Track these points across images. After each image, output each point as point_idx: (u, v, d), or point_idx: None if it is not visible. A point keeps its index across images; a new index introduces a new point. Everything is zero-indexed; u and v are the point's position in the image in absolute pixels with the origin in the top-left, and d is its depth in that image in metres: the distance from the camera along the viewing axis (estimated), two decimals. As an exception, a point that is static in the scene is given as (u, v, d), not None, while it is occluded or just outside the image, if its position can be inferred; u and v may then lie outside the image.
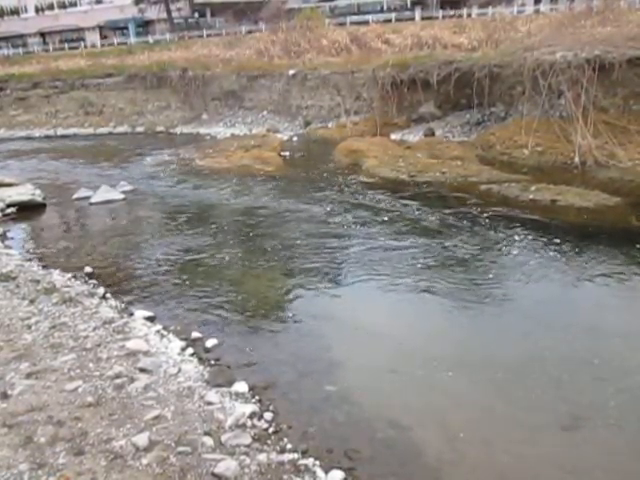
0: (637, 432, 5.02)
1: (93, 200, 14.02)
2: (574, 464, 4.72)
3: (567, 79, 15.20)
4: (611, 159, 13.74)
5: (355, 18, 32.92)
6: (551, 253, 9.01)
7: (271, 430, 5.06)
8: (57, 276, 8.94)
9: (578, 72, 14.99)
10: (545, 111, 15.98)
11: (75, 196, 14.47)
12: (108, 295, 8.22)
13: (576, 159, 14.09)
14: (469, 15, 29.97)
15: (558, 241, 9.43)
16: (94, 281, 8.81)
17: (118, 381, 5.57)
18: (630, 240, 9.23)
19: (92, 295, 8.13)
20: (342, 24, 30.79)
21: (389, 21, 31.24)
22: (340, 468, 4.60)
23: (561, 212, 11.00)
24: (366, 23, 30.71)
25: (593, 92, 14.85)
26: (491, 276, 8.39)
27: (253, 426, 5.05)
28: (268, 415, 5.26)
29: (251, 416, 5.16)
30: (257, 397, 5.57)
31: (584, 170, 13.78)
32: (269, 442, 4.89)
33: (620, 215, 10.63)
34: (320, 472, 4.52)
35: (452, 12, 31.55)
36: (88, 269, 9.30)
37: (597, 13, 20.29)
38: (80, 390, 5.42)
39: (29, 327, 6.81)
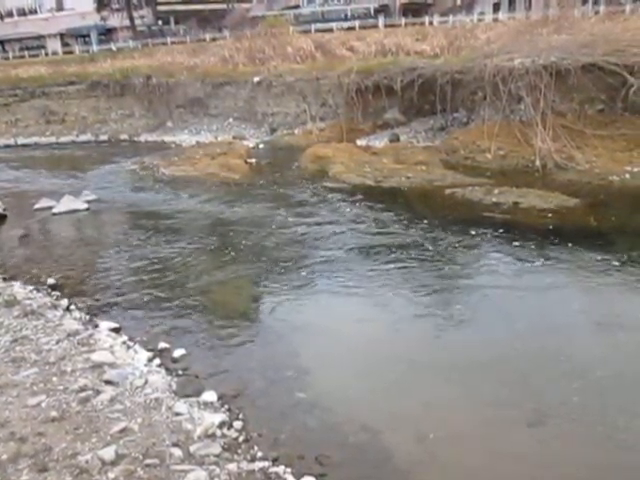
0: (598, 426, 5.13)
1: (56, 210, 13.66)
2: (540, 459, 4.79)
3: (526, 85, 15.57)
4: (569, 162, 14.12)
5: (320, 25, 32.96)
6: (515, 254, 9.19)
7: (241, 439, 5.00)
8: (18, 288, 8.68)
9: (536, 78, 15.37)
10: (506, 116, 16.32)
11: (37, 206, 14.07)
12: (72, 307, 8.01)
13: (537, 162, 14.44)
14: (431, 23, 30.36)
15: (521, 242, 9.63)
16: (57, 293, 8.59)
17: (83, 394, 5.43)
18: (589, 239, 9.51)
19: (55, 307, 7.92)
20: (307, 31, 30.81)
21: (353, 29, 31.42)
22: (311, 474, 4.57)
23: (523, 214, 11.23)
24: (330, 31, 30.86)
25: (551, 97, 15.25)
26: (457, 278, 8.50)
27: (223, 435, 4.98)
28: (238, 424, 5.19)
29: (220, 425, 5.09)
30: (226, 406, 5.50)
31: (544, 173, 14.12)
32: (239, 451, 4.82)
33: (579, 216, 10.92)
34: (291, 479, 4.48)
35: (414, 20, 31.96)
36: (51, 281, 9.06)
37: (552, 21, 20.86)
38: (43, 405, 5.26)
39: (-11, 342, 6.59)
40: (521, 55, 16.29)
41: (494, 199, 12.07)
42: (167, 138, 24.86)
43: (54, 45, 44.15)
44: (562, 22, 20.20)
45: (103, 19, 43.58)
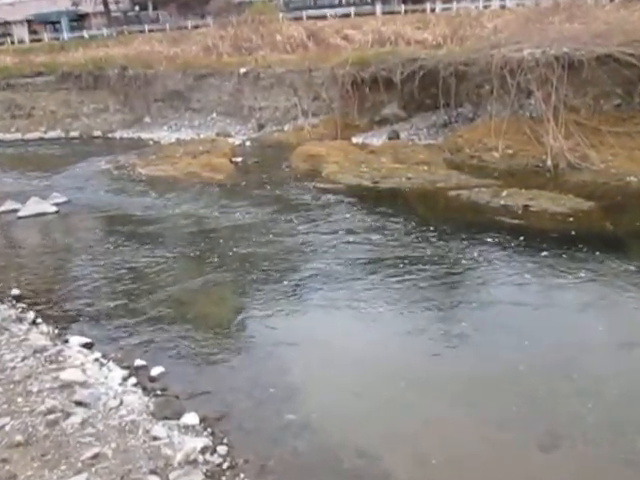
0: (616, 449, 5.15)
1: (21, 213, 13.64)
2: (553, 487, 4.82)
3: (536, 77, 15.68)
4: (583, 161, 14.23)
5: (312, 12, 33.09)
6: (525, 262, 9.22)
7: (225, 465, 5.00)
8: (-21, 300, 8.65)
9: (547, 70, 15.48)
10: (514, 111, 16.45)
11: (0, 209, 14.04)
12: (39, 320, 8.00)
13: (548, 162, 14.54)
14: (433, 10, 30.53)
15: (532, 249, 9.68)
16: (23, 305, 8.57)
17: (51, 417, 5.42)
18: (605, 246, 9.55)
19: (20, 320, 7.92)
20: (298, 19, 30.92)
21: (348, 16, 31.58)
22: (303, 504, 4.57)
23: (534, 218, 11.30)
24: (323, 18, 30.99)
25: (563, 91, 15.36)
26: (461, 289, 8.53)
27: (205, 462, 4.98)
28: (222, 449, 5.19)
29: (203, 451, 5.08)
30: (209, 429, 5.50)
31: (556, 173, 14.22)
32: (223, 479, 4.83)
33: (594, 220, 11.00)
34: (281, 509, 4.49)
35: (415, 6, 32.13)
36: (16, 291, 9.04)
37: (564, 9, 21.04)
38: (7, 428, 5.25)
39: (-53, 359, 6.56)
40: (531, 45, 16.41)
41: (502, 202, 12.13)
42: (144, 135, 24.83)
43: (21, 32, 44.04)
44: (574, 10, 20.39)
45: (75, 4, 43.58)
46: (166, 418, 5.61)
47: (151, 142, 23.29)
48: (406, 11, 31.31)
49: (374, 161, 16.24)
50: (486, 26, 23.42)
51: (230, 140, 21.81)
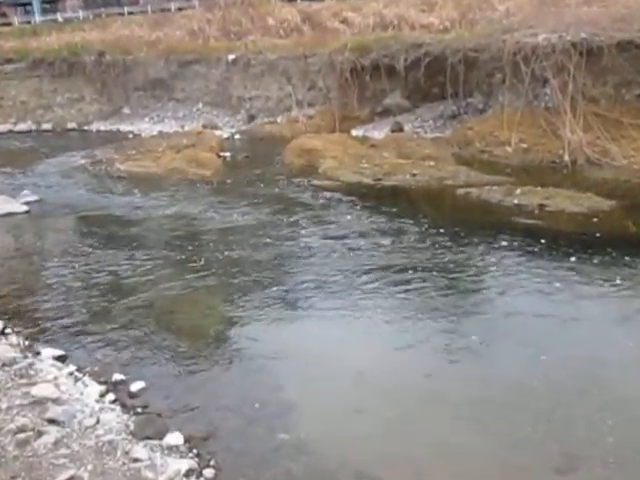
0: (638, 470, 5.17)
1: (-12, 214, 13.65)
2: (570, 513, 4.84)
3: (552, 65, 15.74)
4: (604, 157, 14.26)
5: (307, -7, 33.23)
6: (540, 268, 9.23)
7: (213, 489, 5.01)
8: (-59, 309, 8.66)
9: (564, 57, 15.54)
10: (529, 102, 16.50)
11: (-35, 209, 14.05)
12: (8, 330, 8.00)
13: (565, 157, 14.58)
14: (440, -9, 30.67)
15: (548, 253, 9.71)
16: (-10, 314, 8.56)
17: (22, 436, 5.40)
18: (628, 250, 9.56)
19: (-13, 331, 7.90)
20: (292, 0, 31.04)
21: (347, -4, 31.68)
22: (297, 532, 4.59)
23: (550, 219, 11.33)
24: (320, -1, 31.10)
25: (581, 80, 15.41)
26: (472, 298, 8.53)
27: (190, 485, 4.99)
28: (209, 472, 5.19)
29: (188, 473, 5.08)
30: (195, 450, 5.50)
31: (574, 170, 14.26)
32: (210, 504, 4.84)
33: (616, 221, 11.03)
34: (273, 538, 4.50)
35: (420, -13, 32.21)
36: (-18, 299, 9.05)
37: (582, -10, 21.11)
38: (-27, 449, 5.24)
39: None
40: (546, 30, 16.47)
41: (516, 201, 12.18)
42: (124, 127, 24.89)
43: (-13, 15, 43.96)
44: (593, -8, 20.45)
45: (47, -16, 43.58)
46: (147, 438, 5.61)
47: (131, 135, 23.35)
48: (410, -8, 31.37)
49: (376, 156, 16.27)
50: (497, 9, 23.44)
51: (217, 133, 21.83)
